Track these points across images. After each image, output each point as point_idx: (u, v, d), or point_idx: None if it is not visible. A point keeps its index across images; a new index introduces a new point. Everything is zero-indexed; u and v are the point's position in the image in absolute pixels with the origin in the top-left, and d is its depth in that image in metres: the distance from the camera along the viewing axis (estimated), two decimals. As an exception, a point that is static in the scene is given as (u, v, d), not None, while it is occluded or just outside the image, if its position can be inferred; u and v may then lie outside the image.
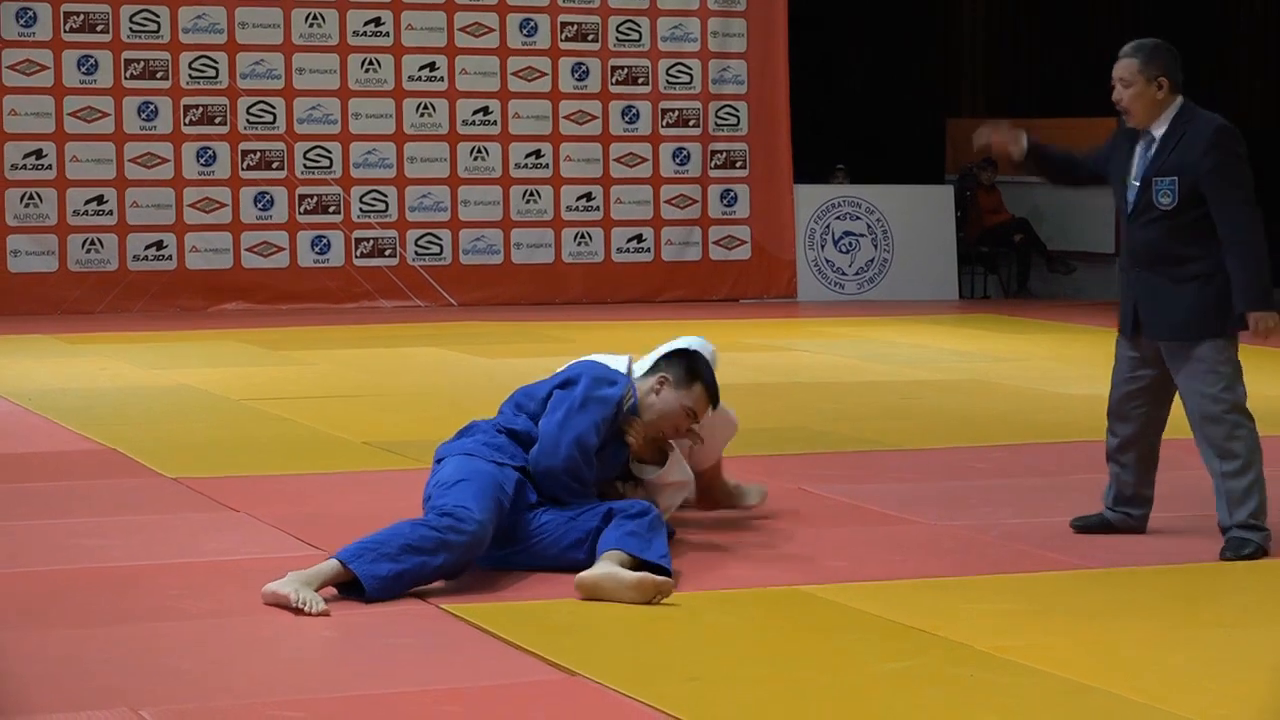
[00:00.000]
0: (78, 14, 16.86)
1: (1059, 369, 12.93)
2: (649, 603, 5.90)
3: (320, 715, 4.78)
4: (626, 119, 18.40)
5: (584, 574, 6.03)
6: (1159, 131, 6.86)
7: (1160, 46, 6.92)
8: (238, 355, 13.39)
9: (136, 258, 17.00)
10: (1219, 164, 6.74)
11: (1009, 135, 7.26)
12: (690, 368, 6.76)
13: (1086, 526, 7.19)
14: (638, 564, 6.09)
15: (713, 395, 6.77)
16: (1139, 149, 6.93)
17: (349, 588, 5.99)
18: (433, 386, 11.71)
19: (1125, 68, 6.89)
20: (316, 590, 5.89)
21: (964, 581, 6.38)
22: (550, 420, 6.52)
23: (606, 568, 6.03)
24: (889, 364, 12.99)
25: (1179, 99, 6.88)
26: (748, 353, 13.32)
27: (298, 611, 5.80)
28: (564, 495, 6.46)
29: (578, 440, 6.46)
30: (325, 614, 5.80)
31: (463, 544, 6.08)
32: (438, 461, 6.57)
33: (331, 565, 6.01)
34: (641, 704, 4.87)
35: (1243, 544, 6.74)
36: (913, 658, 5.37)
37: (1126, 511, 7.20)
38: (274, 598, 5.88)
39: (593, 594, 5.98)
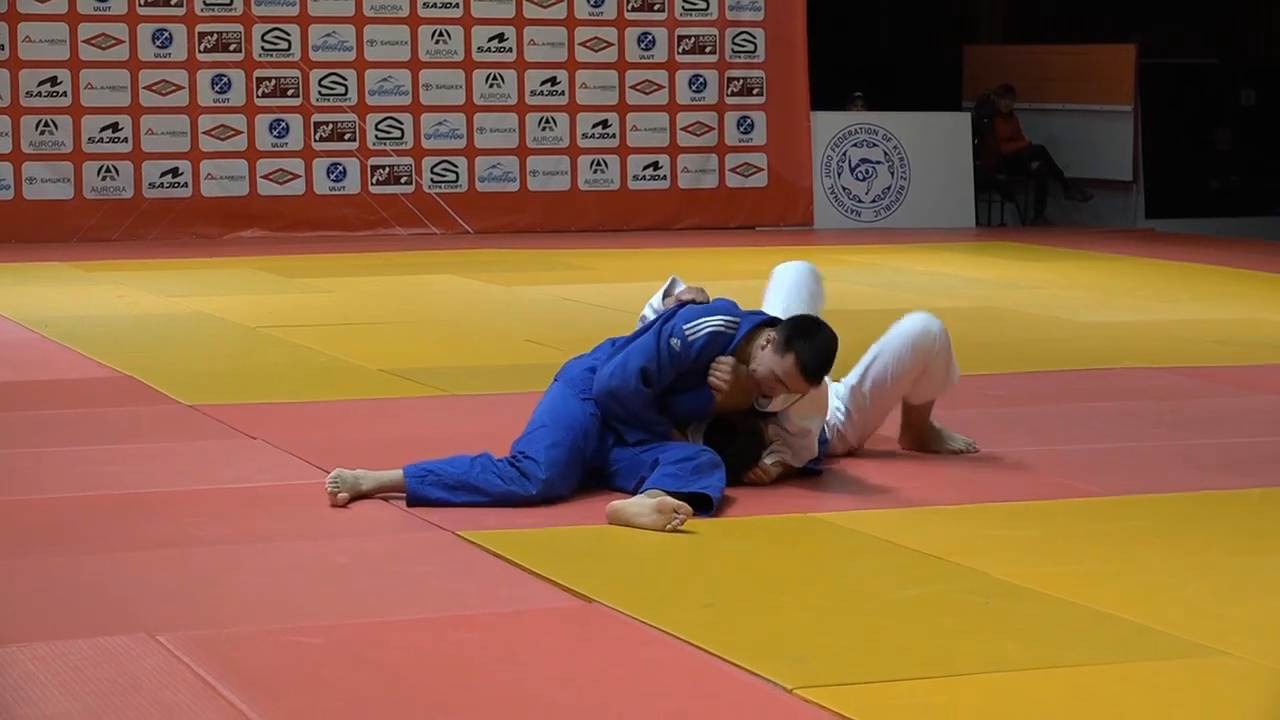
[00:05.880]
0: (92, -60, 16.83)
1: (1076, 296, 12.90)
2: (667, 528, 5.90)
3: (337, 641, 4.79)
4: (643, 46, 18.33)
5: (610, 505, 6.07)
6: None
7: None
8: (253, 282, 13.39)
9: (152, 185, 16.99)
10: None
11: None
12: (793, 334, 6.38)
13: None
14: (679, 498, 6.06)
15: (808, 373, 6.33)
16: None
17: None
18: (449, 314, 11.71)
19: None
20: (371, 495, 6.27)
21: (980, 509, 6.39)
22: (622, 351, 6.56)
23: (639, 497, 6.06)
24: (905, 291, 12.96)
25: None
26: (764, 280, 13.28)
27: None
28: (616, 421, 6.42)
29: (631, 370, 6.40)
30: (339, 505, 6.19)
31: (519, 497, 6.23)
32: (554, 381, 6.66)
33: (395, 476, 6.29)
34: (657, 630, 4.88)
35: None
36: (928, 585, 5.38)
37: None
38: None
39: (616, 519, 6.00)
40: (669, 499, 5.98)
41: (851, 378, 7.12)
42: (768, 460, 6.59)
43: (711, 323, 6.45)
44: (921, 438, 7.32)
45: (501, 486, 6.23)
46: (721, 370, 6.42)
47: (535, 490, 6.24)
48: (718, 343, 6.42)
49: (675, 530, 5.90)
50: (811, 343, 6.35)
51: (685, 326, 6.42)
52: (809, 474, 6.78)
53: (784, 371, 6.33)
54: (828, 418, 6.90)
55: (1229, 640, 4.81)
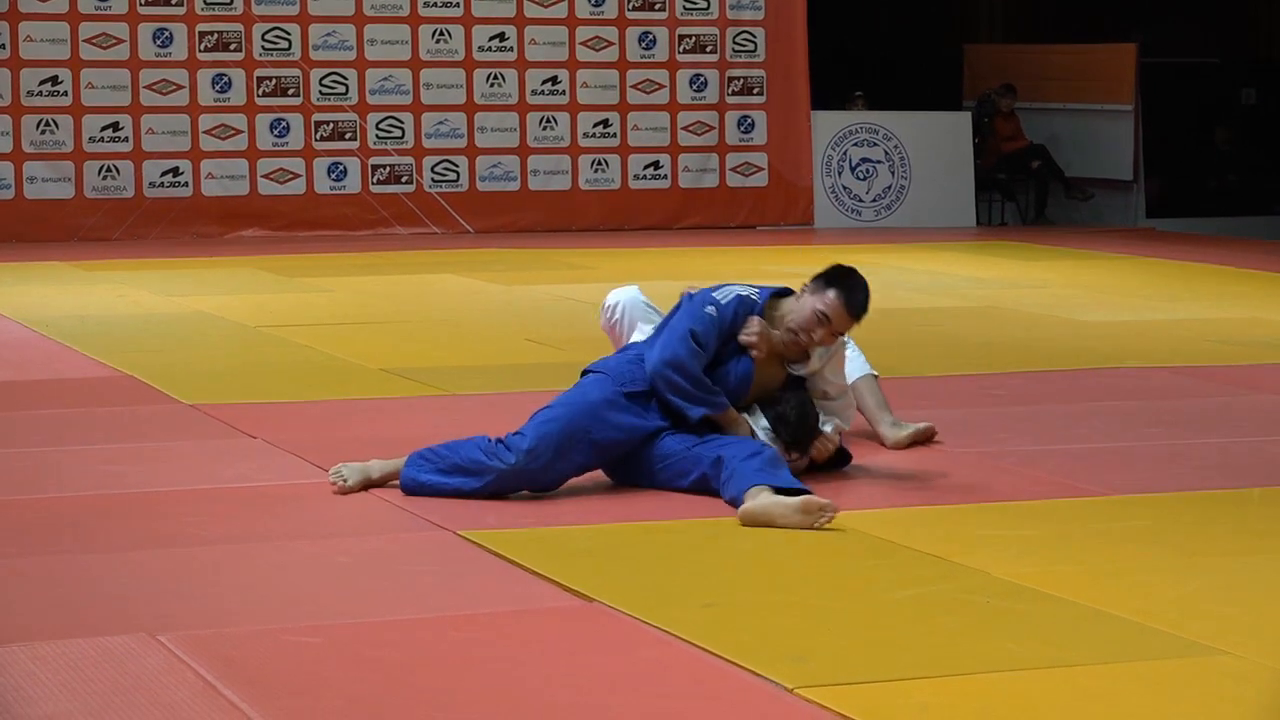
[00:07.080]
0: (93, -60, 16.83)
1: (1076, 296, 12.90)
2: (815, 525, 5.91)
3: (337, 641, 4.80)
4: (644, 45, 18.33)
5: (745, 506, 6.03)
6: None
7: None
8: (254, 282, 13.40)
9: (153, 185, 16.99)
10: None
11: None
12: (831, 275, 6.52)
13: None
14: (779, 493, 6.09)
15: (852, 305, 6.45)
16: None
17: None
18: (450, 313, 11.71)
19: None
20: (383, 483, 6.35)
21: (980, 509, 6.39)
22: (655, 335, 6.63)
23: (767, 498, 6.03)
24: (906, 291, 12.97)
25: None
26: (765, 280, 13.26)
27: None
28: (677, 396, 6.37)
29: (677, 335, 6.43)
30: (341, 491, 6.29)
31: (500, 471, 6.25)
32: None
33: (399, 464, 6.38)
34: (657, 630, 4.88)
35: None
36: (928, 584, 5.38)
37: None
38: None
39: (754, 520, 6.00)
40: (813, 497, 5.99)
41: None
42: (827, 428, 6.69)
43: (736, 289, 6.61)
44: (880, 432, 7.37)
45: (484, 461, 6.24)
46: (751, 327, 6.50)
47: (514, 460, 6.23)
48: (745, 306, 6.54)
49: (822, 528, 5.92)
50: (851, 280, 6.52)
51: (714, 294, 6.55)
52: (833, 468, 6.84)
53: (827, 305, 6.44)
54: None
55: (1228, 640, 4.81)
